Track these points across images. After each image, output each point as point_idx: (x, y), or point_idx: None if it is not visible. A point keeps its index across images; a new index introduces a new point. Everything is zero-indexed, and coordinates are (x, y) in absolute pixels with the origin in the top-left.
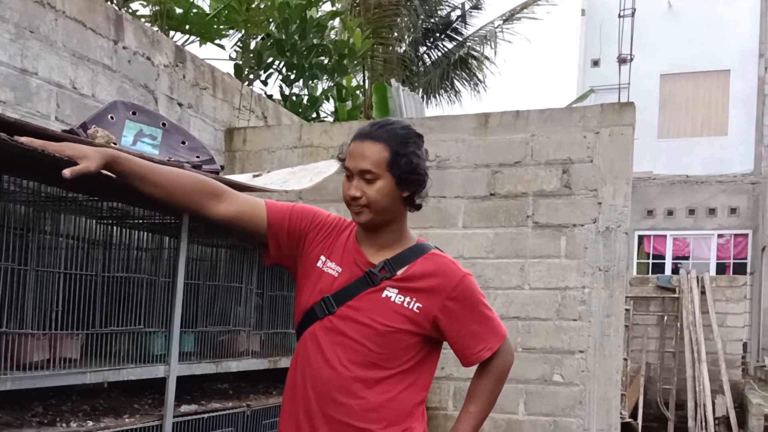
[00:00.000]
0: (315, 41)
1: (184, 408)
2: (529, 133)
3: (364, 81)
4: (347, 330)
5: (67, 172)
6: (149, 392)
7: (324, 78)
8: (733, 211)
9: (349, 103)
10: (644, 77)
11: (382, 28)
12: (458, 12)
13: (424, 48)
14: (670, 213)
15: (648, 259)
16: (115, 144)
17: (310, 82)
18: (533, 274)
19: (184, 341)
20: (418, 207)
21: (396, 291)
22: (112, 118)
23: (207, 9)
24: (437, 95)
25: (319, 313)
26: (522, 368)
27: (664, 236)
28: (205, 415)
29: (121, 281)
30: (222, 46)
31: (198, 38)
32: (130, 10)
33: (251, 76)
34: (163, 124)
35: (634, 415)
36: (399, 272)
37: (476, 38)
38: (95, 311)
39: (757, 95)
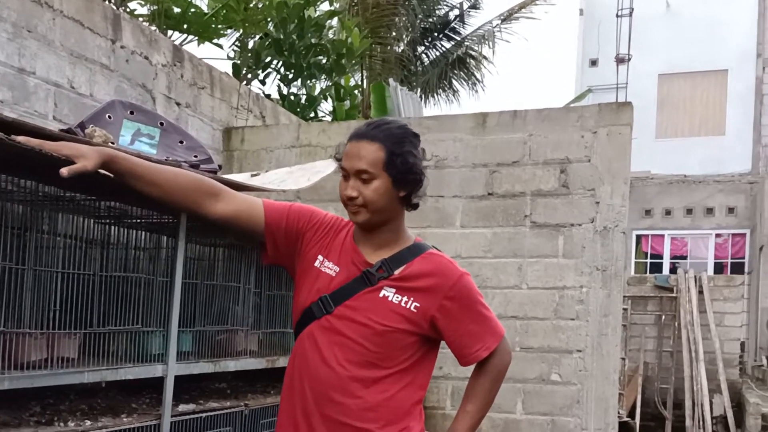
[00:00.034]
0: (313, 41)
1: (182, 407)
2: (526, 133)
3: (362, 80)
4: (345, 329)
5: (64, 171)
6: (147, 392)
7: (322, 77)
8: (730, 210)
9: (347, 103)
10: (642, 77)
11: (380, 27)
12: (456, 11)
13: (423, 47)
14: (668, 212)
15: (646, 258)
16: (112, 143)
17: (308, 81)
18: (531, 274)
19: (182, 341)
20: (415, 206)
21: (393, 290)
22: (109, 117)
23: (205, 8)
24: (435, 95)
25: (317, 313)
26: (520, 367)
27: (662, 236)
28: (203, 415)
29: (119, 281)
30: (220, 46)
31: (196, 38)
32: (128, 10)
33: (249, 76)
34: (161, 124)
35: (631, 414)
36: (396, 272)
37: (474, 38)
38: (93, 311)
39: (754, 95)
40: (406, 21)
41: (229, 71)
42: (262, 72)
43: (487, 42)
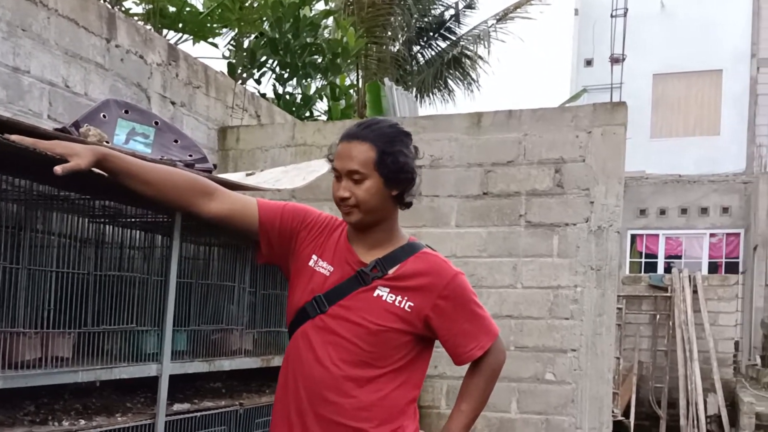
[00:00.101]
0: (308, 40)
1: (176, 407)
2: (521, 133)
3: (357, 80)
4: (339, 329)
5: (58, 169)
6: (142, 391)
7: (317, 77)
8: (725, 210)
9: (342, 102)
10: (637, 77)
11: (376, 27)
12: (452, 11)
13: (418, 47)
14: (663, 212)
15: (640, 258)
16: (107, 142)
17: (304, 80)
18: (526, 273)
19: (177, 340)
20: (409, 205)
21: (387, 290)
22: (104, 116)
23: (200, 7)
24: (431, 94)
25: (311, 312)
26: (514, 367)
27: (657, 235)
28: (198, 414)
29: (114, 280)
30: (215, 45)
31: (191, 37)
32: (123, 9)
33: (244, 75)
34: (156, 123)
35: (626, 413)
36: (390, 271)
37: (470, 38)
38: (87, 310)
39: (749, 95)
40: (401, 20)
41: (225, 70)
42: (258, 71)
43: (482, 42)
